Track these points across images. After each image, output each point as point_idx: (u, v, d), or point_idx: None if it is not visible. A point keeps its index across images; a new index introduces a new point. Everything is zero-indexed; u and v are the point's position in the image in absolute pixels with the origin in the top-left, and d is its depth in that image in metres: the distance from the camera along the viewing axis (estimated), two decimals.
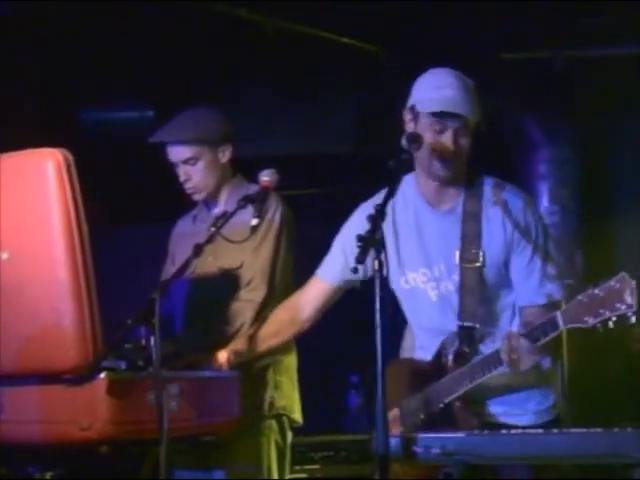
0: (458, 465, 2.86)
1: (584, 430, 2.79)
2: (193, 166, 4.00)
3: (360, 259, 2.89)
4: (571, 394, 5.58)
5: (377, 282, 2.84)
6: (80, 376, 2.99)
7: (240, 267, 3.93)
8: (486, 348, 3.41)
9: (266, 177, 3.65)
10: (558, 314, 3.15)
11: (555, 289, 3.42)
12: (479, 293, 3.43)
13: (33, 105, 5.51)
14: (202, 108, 4.10)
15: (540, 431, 2.84)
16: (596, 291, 3.07)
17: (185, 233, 4.15)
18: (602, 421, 2.92)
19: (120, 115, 6.09)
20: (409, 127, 3.48)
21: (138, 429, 3.06)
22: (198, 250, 3.42)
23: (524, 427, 3.37)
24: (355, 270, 2.90)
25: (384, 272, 2.86)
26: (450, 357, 3.43)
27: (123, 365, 3.10)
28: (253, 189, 3.78)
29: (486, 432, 2.92)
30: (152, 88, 6.07)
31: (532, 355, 3.19)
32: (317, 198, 6.40)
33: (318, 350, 5.75)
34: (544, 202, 6.36)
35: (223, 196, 4.07)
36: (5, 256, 3.04)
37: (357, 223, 3.58)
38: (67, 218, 2.96)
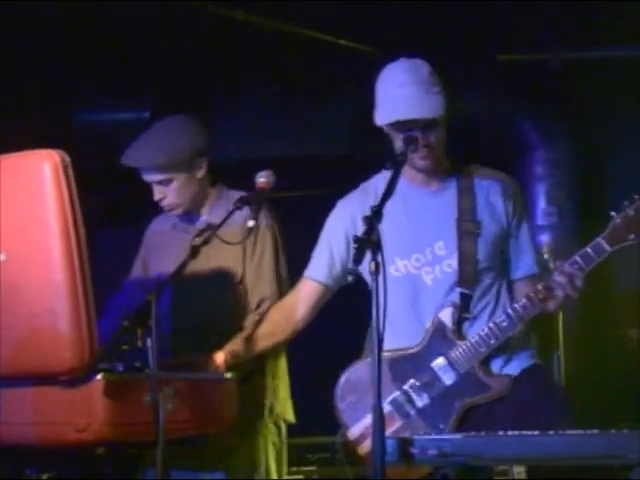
0: (455, 466, 2.86)
1: (581, 431, 2.80)
2: (167, 186, 3.94)
3: (357, 261, 2.89)
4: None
5: (374, 284, 2.84)
6: (76, 377, 2.99)
7: (240, 281, 3.93)
8: (480, 317, 3.52)
9: (263, 179, 3.65)
10: (600, 239, 3.36)
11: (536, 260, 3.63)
12: (475, 263, 3.52)
13: (29, 107, 5.50)
14: (172, 122, 3.99)
15: (537, 433, 2.83)
16: (628, 211, 3.34)
17: (163, 241, 4.11)
18: (599, 422, 2.92)
19: (116, 116, 6.09)
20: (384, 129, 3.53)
21: (134, 431, 3.06)
22: (195, 251, 3.42)
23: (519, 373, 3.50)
24: (352, 272, 2.91)
25: (381, 274, 2.86)
26: (451, 327, 3.49)
27: (120, 367, 3.10)
28: (234, 196, 3.77)
29: (483, 434, 2.91)
30: (149, 89, 6.07)
31: (576, 283, 3.36)
32: (314, 200, 6.39)
33: (315, 352, 5.76)
34: (541, 203, 6.37)
35: (205, 208, 4.03)
36: (2, 257, 3.04)
37: (338, 218, 3.69)
38: (64, 219, 2.96)
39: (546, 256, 5.65)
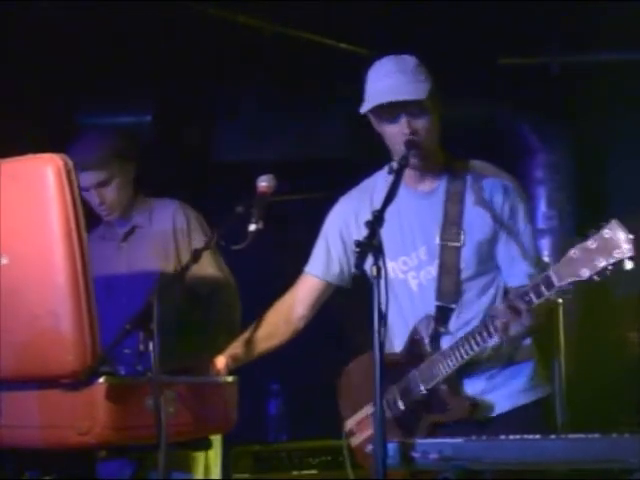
0: (456, 470, 2.87)
1: (582, 435, 2.79)
2: (107, 187, 4.10)
3: (358, 265, 2.89)
4: (569, 399, 5.58)
5: (375, 288, 2.84)
6: (78, 381, 2.99)
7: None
8: (460, 332, 3.37)
9: (264, 182, 3.65)
10: (551, 272, 3.06)
11: (536, 272, 3.36)
12: (457, 274, 3.40)
13: (32, 110, 5.51)
14: (99, 130, 4.35)
15: (538, 436, 2.83)
16: (588, 243, 2.98)
17: (94, 251, 4.13)
18: (600, 426, 2.92)
19: (118, 120, 6.09)
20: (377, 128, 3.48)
21: (136, 434, 3.06)
22: (197, 255, 3.44)
23: (508, 410, 3.38)
24: (355, 275, 2.91)
25: (382, 278, 2.86)
26: (426, 340, 3.40)
27: (122, 370, 3.11)
28: (158, 203, 4.14)
29: (484, 437, 2.92)
30: (150, 93, 6.07)
31: (524, 319, 3.11)
32: (313, 203, 6.39)
33: (315, 355, 5.76)
34: (542, 207, 6.37)
35: (132, 213, 4.22)
36: (4, 261, 3.04)
37: (334, 217, 3.68)
38: (66, 223, 2.96)
39: (547, 259, 5.65)
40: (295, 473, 5.39)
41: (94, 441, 2.98)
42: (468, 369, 3.40)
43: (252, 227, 3.54)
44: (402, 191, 3.47)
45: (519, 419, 3.37)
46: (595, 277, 2.98)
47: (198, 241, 4.06)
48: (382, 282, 2.85)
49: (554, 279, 3.05)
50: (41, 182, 2.98)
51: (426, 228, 3.47)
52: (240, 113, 6.31)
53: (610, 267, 2.94)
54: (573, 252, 3.01)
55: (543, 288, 3.08)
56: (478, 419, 3.39)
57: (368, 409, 3.51)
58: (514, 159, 6.46)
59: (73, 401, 3.00)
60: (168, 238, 4.15)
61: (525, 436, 2.84)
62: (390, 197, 3.14)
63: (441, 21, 5.75)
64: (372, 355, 3.52)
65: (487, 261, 3.44)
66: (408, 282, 3.50)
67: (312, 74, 6.15)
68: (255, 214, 3.54)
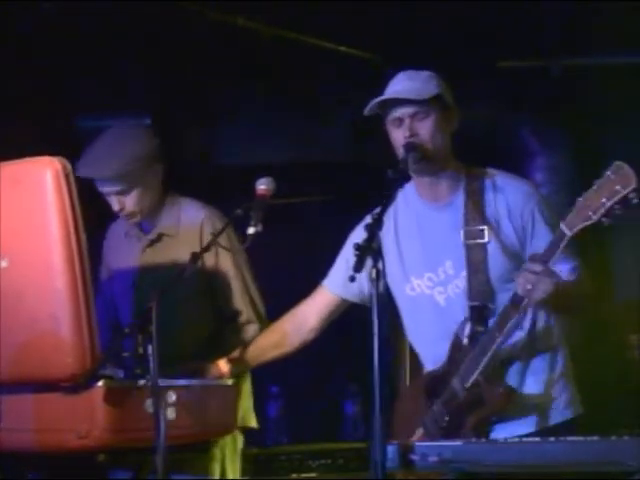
0: (455, 473, 2.86)
1: (581, 438, 2.79)
2: (126, 196, 3.91)
3: (357, 268, 2.89)
4: None
5: (374, 291, 2.84)
6: (78, 384, 2.99)
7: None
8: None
9: (263, 186, 3.65)
10: (562, 224, 3.06)
11: (575, 263, 3.33)
12: (486, 270, 3.33)
13: (30, 113, 5.51)
14: (122, 131, 4.00)
15: (538, 439, 2.83)
16: (593, 188, 2.99)
17: (119, 249, 4.13)
18: (599, 429, 2.92)
19: (117, 123, 6.09)
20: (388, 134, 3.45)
21: (135, 437, 3.07)
22: (196, 257, 3.44)
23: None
24: (352, 279, 2.90)
25: (381, 281, 2.86)
26: (465, 340, 3.33)
27: (121, 373, 3.11)
28: (187, 204, 3.98)
29: (484, 440, 2.91)
30: (149, 96, 6.07)
31: (548, 277, 3.07)
32: (315, 206, 6.40)
33: (315, 358, 5.76)
34: None
35: (159, 217, 4.03)
36: (4, 264, 3.05)
37: (356, 235, 3.54)
38: (65, 226, 2.97)
39: None
40: (294, 476, 5.39)
41: (93, 444, 2.99)
42: (503, 363, 3.32)
43: (251, 230, 3.54)
44: (419, 206, 3.47)
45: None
46: (604, 219, 2.97)
47: (224, 257, 3.92)
48: (381, 284, 2.84)
49: (565, 230, 3.06)
50: (40, 185, 2.99)
51: (450, 240, 3.40)
52: (240, 116, 6.31)
53: (617, 205, 2.94)
54: (580, 200, 3.02)
55: (556, 242, 3.08)
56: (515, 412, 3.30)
57: (419, 432, 3.45)
58: (514, 162, 6.47)
59: (72, 404, 3.01)
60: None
61: (524, 439, 2.84)
62: (388, 201, 3.12)
63: (441, 24, 5.75)
64: (422, 376, 3.52)
65: (518, 262, 3.32)
66: (434, 297, 3.43)
67: (312, 77, 6.15)
68: (254, 217, 3.54)
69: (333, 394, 6.33)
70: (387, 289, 2.91)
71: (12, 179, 3.06)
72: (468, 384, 3.28)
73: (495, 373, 3.30)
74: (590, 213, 3.00)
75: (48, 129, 5.56)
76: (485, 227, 3.35)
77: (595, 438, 2.76)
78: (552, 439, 2.85)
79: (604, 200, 2.96)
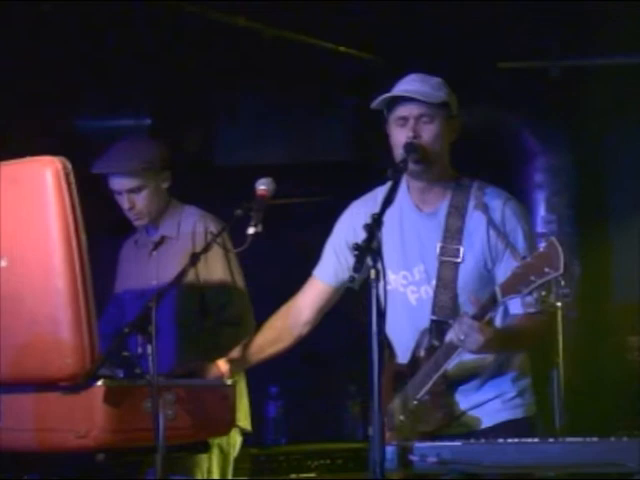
0: (454, 474, 2.86)
1: (580, 439, 2.79)
2: (138, 194, 4.17)
3: (357, 268, 2.89)
4: (567, 403, 5.59)
5: (374, 291, 2.84)
6: (77, 384, 2.99)
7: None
8: None
9: (263, 186, 3.65)
10: (497, 288, 3.14)
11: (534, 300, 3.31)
12: (454, 289, 3.38)
13: (31, 113, 5.51)
14: (139, 136, 4.42)
15: (536, 440, 2.83)
16: (529, 259, 3.07)
17: (129, 258, 4.39)
18: (598, 430, 2.92)
19: (117, 123, 6.10)
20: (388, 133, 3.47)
21: (135, 437, 3.07)
22: (195, 259, 3.44)
23: (488, 427, 3.36)
24: (352, 279, 2.91)
25: (381, 281, 2.86)
26: (422, 353, 3.38)
27: (120, 373, 3.11)
28: (188, 211, 4.20)
29: (483, 441, 2.91)
30: (150, 96, 6.07)
31: (478, 334, 3.13)
32: (315, 206, 6.40)
33: (315, 358, 5.77)
34: (541, 211, 6.37)
35: (162, 221, 4.26)
36: (3, 264, 3.05)
37: (346, 223, 3.62)
38: (65, 226, 2.97)
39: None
40: (293, 476, 5.40)
41: (92, 444, 2.99)
42: (461, 381, 3.39)
43: (251, 230, 3.54)
44: (406, 206, 3.49)
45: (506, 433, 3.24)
46: (534, 293, 3.07)
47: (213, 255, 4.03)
48: (381, 284, 2.84)
49: (498, 295, 3.14)
50: (40, 185, 2.99)
51: (427, 249, 3.44)
52: (240, 117, 6.32)
53: (544, 284, 3.04)
54: (517, 268, 3.09)
55: (488, 304, 3.17)
56: (460, 432, 3.34)
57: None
58: (513, 163, 6.48)
59: (71, 404, 3.01)
60: (190, 252, 4.05)
61: (523, 440, 2.84)
62: (388, 201, 3.13)
63: (441, 25, 5.76)
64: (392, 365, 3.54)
65: (487, 280, 3.40)
66: (407, 296, 3.48)
67: (312, 78, 6.16)
68: (254, 217, 3.54)
69: (333, 394, 6.34)
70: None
71: (12, 179, 3.06)
72: (418, 397, 3.34)
73: (442, 393, 3.36)
74: (521, 287, 3.08)
75: (48, 129, 5.56)
76: (460, 247, 3.39)
77: (594, 439, 2.77)
78: (551, 440, 2.85)
79: (533, 278, 3.05)
